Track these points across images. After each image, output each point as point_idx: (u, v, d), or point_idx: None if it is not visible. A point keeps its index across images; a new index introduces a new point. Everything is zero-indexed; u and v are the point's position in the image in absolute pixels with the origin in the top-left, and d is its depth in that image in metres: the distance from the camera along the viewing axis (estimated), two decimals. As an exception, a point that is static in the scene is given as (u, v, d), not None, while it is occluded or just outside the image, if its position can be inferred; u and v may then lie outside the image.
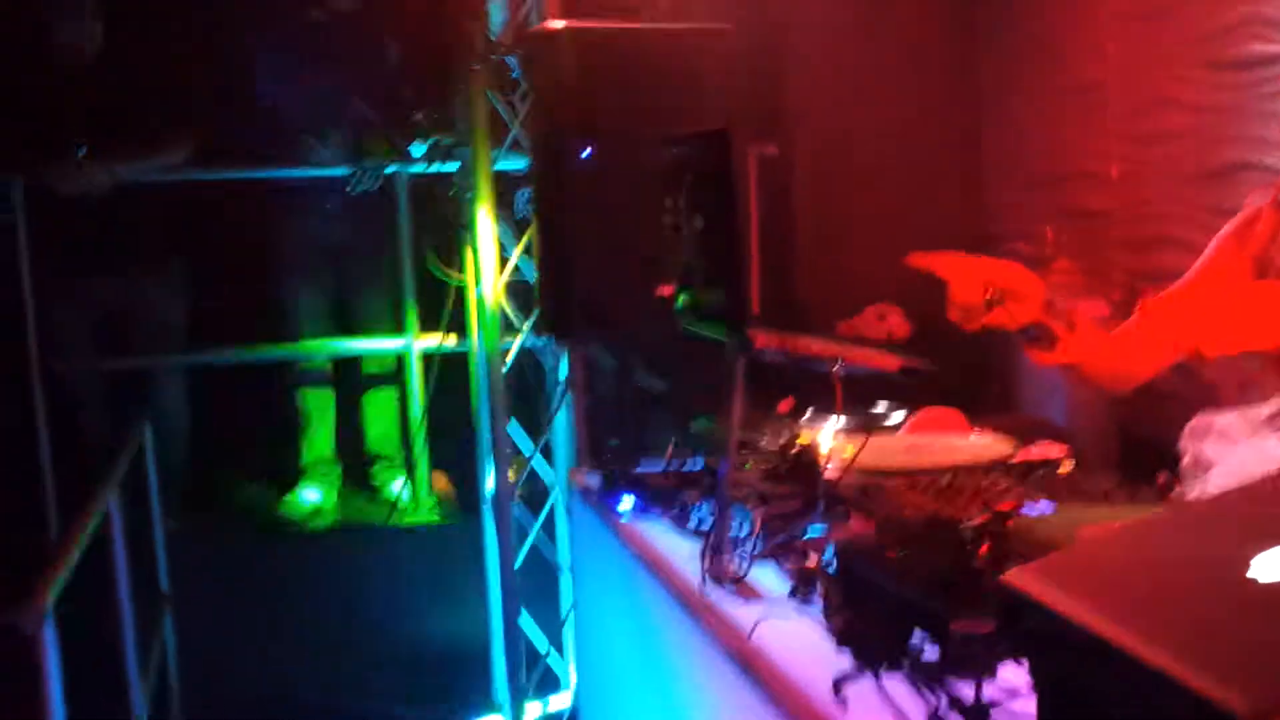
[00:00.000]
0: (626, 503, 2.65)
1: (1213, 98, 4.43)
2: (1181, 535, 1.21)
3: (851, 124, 5.38)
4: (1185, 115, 4.57)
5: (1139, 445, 4.55)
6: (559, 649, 3.98)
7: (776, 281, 4.75)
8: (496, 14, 4.03)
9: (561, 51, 3.53)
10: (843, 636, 1.80)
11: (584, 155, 3.48)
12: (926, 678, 1.66)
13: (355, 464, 5.07)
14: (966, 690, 1.61)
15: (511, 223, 4.03)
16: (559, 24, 3.55)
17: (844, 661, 1.75)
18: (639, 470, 2.78)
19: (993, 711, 1.59)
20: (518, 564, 3.89)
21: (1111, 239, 5.01)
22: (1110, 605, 1.10)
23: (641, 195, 2.72)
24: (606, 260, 3.43)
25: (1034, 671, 1.29)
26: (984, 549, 1.77)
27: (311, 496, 4.88)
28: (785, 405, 2.87)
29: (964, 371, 4.66)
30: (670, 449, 2.72)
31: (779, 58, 5.08)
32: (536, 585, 4.01)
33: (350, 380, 5.11)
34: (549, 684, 4.01)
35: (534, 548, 3.97)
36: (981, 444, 2.56)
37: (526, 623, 3.93)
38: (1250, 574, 1.07)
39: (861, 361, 2.16)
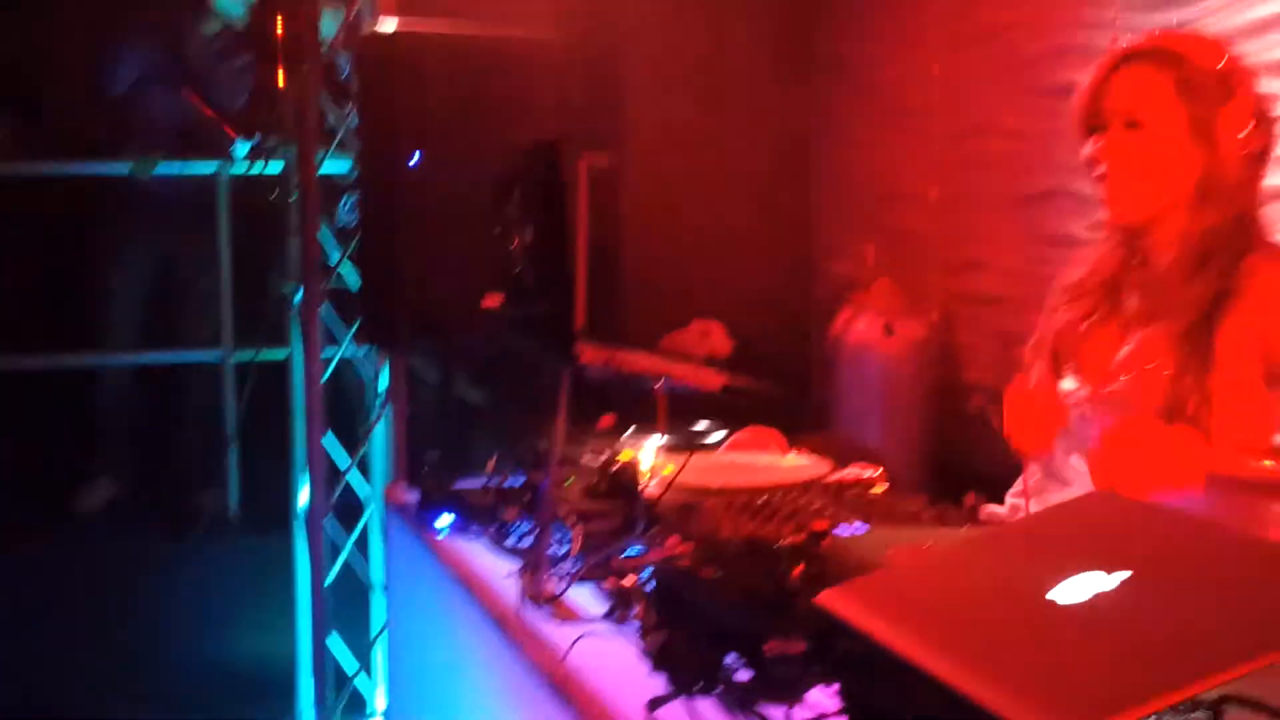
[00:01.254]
0: (444, 520, 2.60)
1: (1030, 124, 4.55)
2: (987, 558, 1.22)
3: (683, 138, 5.41)
4: (1003, 141, 4.69)
5: (949, 466, 4.66)
6: (369, 670, 3.90)
7: (603, 294, 4.72)
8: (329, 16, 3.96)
9: (392, 55, 3.47)
10: (658, 658, 1.79)
11: (412, 162, 3.42)
12: (739, 700, 1.65)
13: (163, 472, 4.94)
14: (778, 713, 1.61)
15: (333, 229, 3.95)
16: (390, 26, 3.50)
17: (659, 683, 1.73)
18: (458, 486, 2.73)
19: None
20: (328, 582, 3.81)
21: (929, 260, 5.12)
22: (916, 627, 1.11)
23: (471, 204, 2.68)
24: (433, 269, 3.38)
25: (842, 693, 1.30)
26: (797, 570, 1.77)
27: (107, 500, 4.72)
28: (607, 421, 2.87)
29: (783, 391, 4.72)
30: (491, 464, 2.68)
31: (614, 70, 5.08)
32: (348, 604, 3.93)
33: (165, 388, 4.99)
34: (356, 706, 3.92)
35: (347, 566, 3.89)
36: (799, 464, 2.58)
37: (335, 643, 3.84)
38: (1050, 596, 1.08)
39: (686, 379, 2.15)
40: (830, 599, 1.21)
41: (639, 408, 2.63)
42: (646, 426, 2.60)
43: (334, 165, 3.98)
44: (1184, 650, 0.95)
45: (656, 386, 2.05)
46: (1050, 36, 4.43)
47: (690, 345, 5.08)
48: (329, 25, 3.93)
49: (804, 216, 5.78)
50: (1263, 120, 2.23)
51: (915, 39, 5.18)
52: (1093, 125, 2.28)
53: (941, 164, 5.06)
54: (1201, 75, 2.21)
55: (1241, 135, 2.20)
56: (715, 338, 5.13)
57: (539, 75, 3.62)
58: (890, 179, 5.35)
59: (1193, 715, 0.91)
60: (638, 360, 2.08)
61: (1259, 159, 2.24)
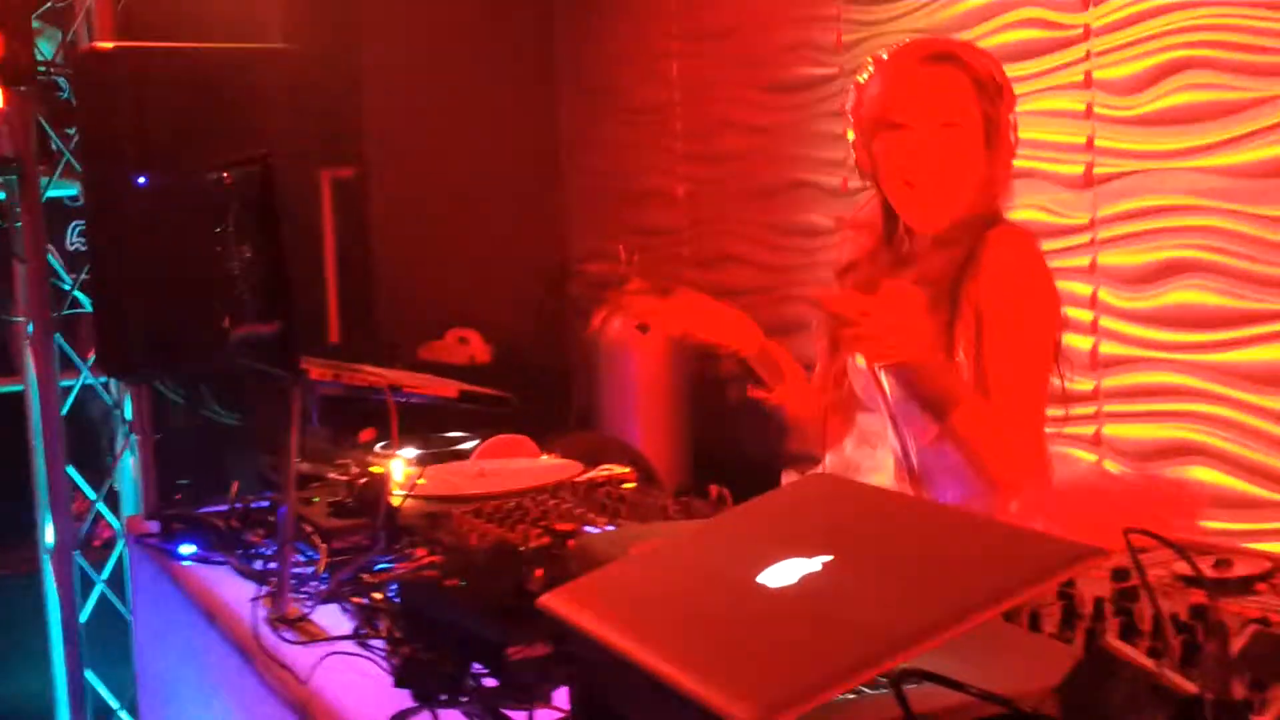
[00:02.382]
0: (187, 548, 2.53)
1: (769, 118, 4.66)
2: (704, 548, 1.23)
3: (430, 148, 5.37)
4: (744, 136, 4.79)
5: (710, 459, 4.73)
6: (132, 706, 3.77)
7: (356, 307, 4.66)
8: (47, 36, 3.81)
9: (112, 73, 3.36)
10: (401, 673, 1.76)
11: (139, 183, 3.32)
12: (483, 707, 1.64)
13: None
14: (522, 717, 1.60)
15: (64, 254, 3.80)
16: (109, 44, 3.38)
17: (405, 698, 1.71)
18: (202, 512, 2.65)
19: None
20: (84, 617, 3.67)
21: (681, 256, 5.19)
22: (632, 622, 1.11)
23: (199, 224, 2.61)
24: (166, 293, 3.28)
25: (570, 690, 1.30)
26: (538, 573, 1.77)
27: None
28: (366, 435, 2.82)
29: (545, 394, 4.72)
30: (234, 488, 2.61)
31: (353, 80, 5.00)
32: (110, 638, 3.80)
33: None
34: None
35: (107, 600, 3.76)
36: (550, 467, 2.58)
37: (94, 679, 3.70)
38: (761, 581, 1.10)
39: (419, 389, 2.13)
40: (552, 600, 1.21)
41: (401, 422, 2.59)
42: (396, 440, 2.57)
43: (61, 189, 3.83)
44: (880, 629, 0.97)
45: (387, 398, 2.01)
46: (779, 33, 4.54)
47: (448, 354, 5.06)
48: (47, 46, 3.79)
49: (557, 220, 5.81)
50: (1015, 115, 2.32)
51: (650, 39, 5.25)
52: (887, 125, 2.29)
53: (685, 161, 5.13)
54: (989, 79, 2.27)
55: (1014, 128, 2.29)
56: (474, 345, 5.11)
57: (272, 88, 3.55)
58: (638, 178, 5.41)
59: (875, 691, 0.93)
60: (368, 374, 2.05)
61: (1014, 153, 2.33)
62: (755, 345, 2.52)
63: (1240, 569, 1.27)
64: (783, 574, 1.09)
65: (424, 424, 2.73)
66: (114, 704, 3.87)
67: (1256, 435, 3.08)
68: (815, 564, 1.08)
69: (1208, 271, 3.15)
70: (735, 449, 4.77)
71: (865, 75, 2.37)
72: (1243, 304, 3.09)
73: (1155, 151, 3.24)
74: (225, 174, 2.05)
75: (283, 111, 3.54)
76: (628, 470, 2.51)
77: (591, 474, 2.48)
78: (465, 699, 1.68)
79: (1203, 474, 3.19)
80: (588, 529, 2.08)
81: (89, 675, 3.79)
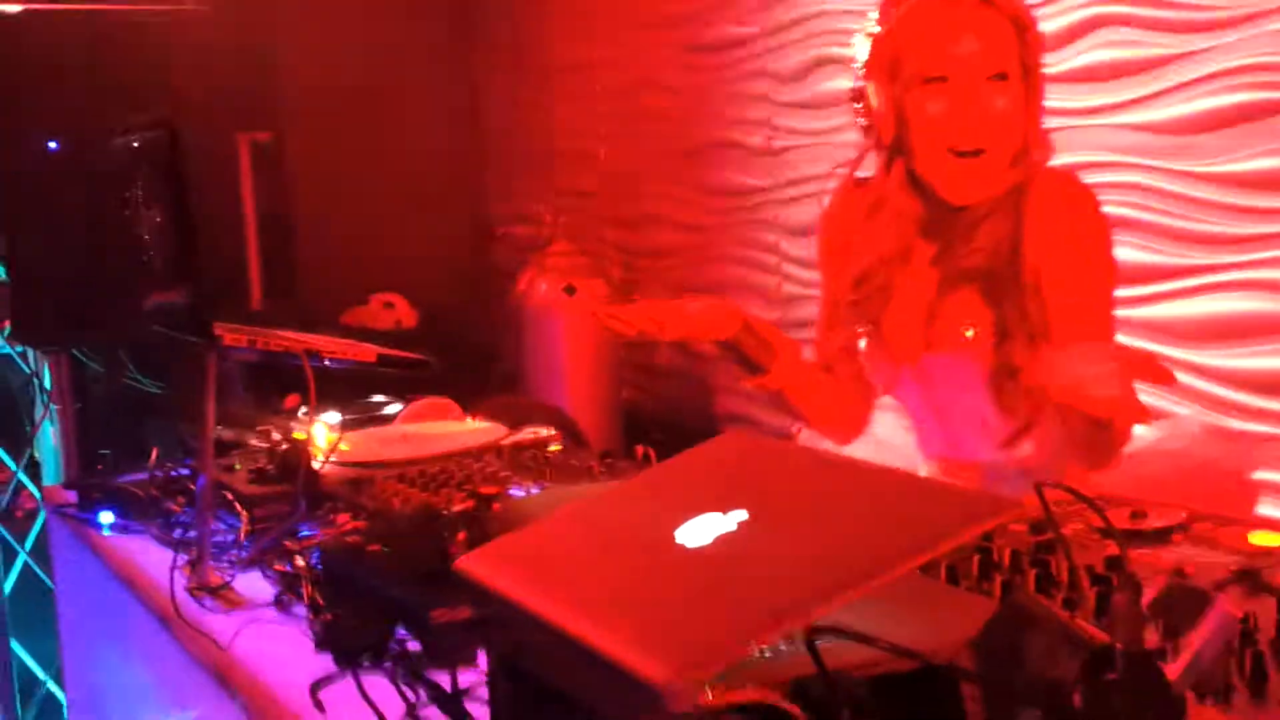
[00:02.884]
0: (106, 517, 2.49)
1: (690, 79, 4.64)
2: (621, 507, 1.23)
3: (352, 111, 5.30)
4: (666, 96, 4.77)
5: (638, 419, 4.74)
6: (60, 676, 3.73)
7: (279, 273, 4.61)
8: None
9: (20, 37, 3.28)
10: (323, 638, 1.74)
11: (50, 148, 3.25)
12: (405, 671, 1.63)
13: None
14: (446, 680, 1.59)
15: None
16: (13, 7, 3.30)
17: (327, 664, 1.69)
18: (121, 481, 2.61)
19: (470, 697, 1.58)
20: (8, 588, 3.62)
21: (604, 217, 5.17)
22: (547, 582, 1.11)
23: (111, 190, 2.56)
24: (81, 259, 3.22)
25: (488, 652, 1.29)
26: (461, 536, 1.76)
27: None
28: (289, 402, 2.79)
29: (471, 358, 4.70)
30: (154, 455, 2.56)
31: (270, 43, 4.92)
32: (35, 609, 3.75)
33: None
34: (53, 713, 3.76)
35: (30, 571, 3.71)
36: (475, 430, 2.56)
37: (19, 649, 3.65)
38: (678, 540, 1.09)
39: (336, 353, 2.10)
40: (468, 562, 1.20)
41: (323, 388, 2.56)
42: (320, 405, 2.54)
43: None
44: (795, 586, 0.97)
45: (303, 362, 1.99)
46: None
47: (373, 319, 5.01)
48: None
49: (480, 183, 5.76)
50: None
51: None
52: (931, 78, 1.98)
53: (608, 121, 5.10)
54: (1026, 19, 1.99)
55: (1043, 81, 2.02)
56: (399, 310, 5.06)
57: (184, 50, 3.49)
58: (561, 138, 5.37)
59: (787, 646, 0.93)
60: (282, 338, 2.02)
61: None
62: (736, 326, 2.18)
63: (1155, 521, 1.28)
64: (699, 532, 1.08)
65: (348, 390, 2.70)
66: (41, 675, 3.82)
67: (1179, 390, 3.12)
68: (731, 521, 1.07)
69: (1127, 228, 3.17)
70: (667, 410, 4.78)
71: (881, 23, 2.05)
72: (1163, 259, 3.12)
73: (1073, 109, 3.26)
74: (132, 135, 2.00)
75: (196, 74, 3.48)
76: (553, 433, 2.50)
77: (517, 437, 2.46)
78: (388, 663, 1.67)
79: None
80: (513, 492, 2.07)
81: (14, 646, 3.74)
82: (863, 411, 2.36)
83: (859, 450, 2.35)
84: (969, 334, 2.04)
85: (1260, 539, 1.19)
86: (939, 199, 2.07)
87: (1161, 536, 1.23)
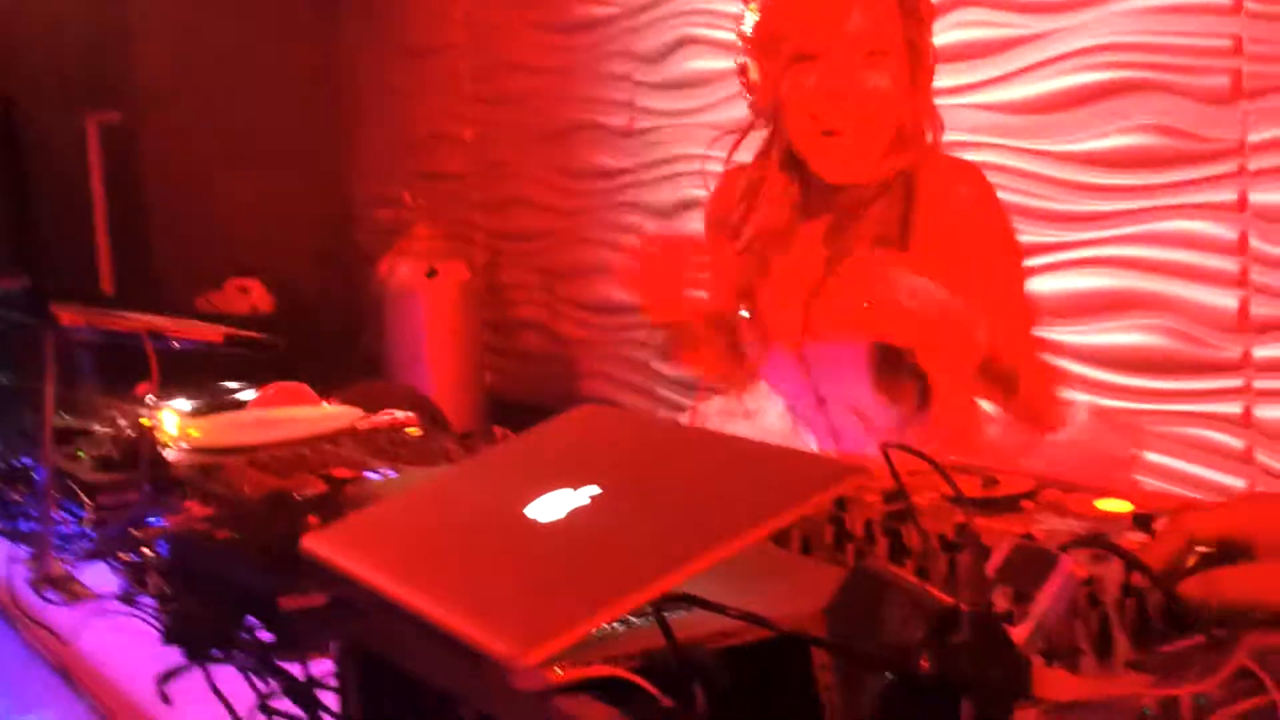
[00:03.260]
0: (-58, 510, 2.38)
1: (552, 60, 4.61)
2: (471, 483, 1.20)
3: (208, 92, 5.19)
4: (528, 78, 4.73)
5: (502, 401, 4.70)
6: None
7: (130, 257, 4.49)
8: None
9: None
10: (170, 630, 1.69)
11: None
12: (257, 662, 1.58)
13: None
14: (298, 668, 1.55)
15: None
16: None
17: (175, 656, 1.64)
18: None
19: (322, 685, 1.54)
20: None
21: (470, 201, 5.12)
22: (394, 560, 1.08)
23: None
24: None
25: (336, 636, 1.26)
26: (313, 520, 1.71)
27: None
28: (141, 390, 2.70)
29: (330, 343, 4.62)
30: (-11, 443, 2.47)
31: (119, 20, 4.79)
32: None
33: None
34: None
35: None
36: (331, 414, 2.50)
37: None
38: (529, 515, 1.07)
39: (181, 334, 2.04)
40: (312, 542, 1.16)
41: (177, 373, 2.49)
42: (170, 391, 2.47)
43: None
44: (644, 557, 0.95)
45: (146, 344, 1.92)
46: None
47: (229, 304, 4.90)
48: None
49: (342, 165, 5.67)
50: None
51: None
52: (804, 54, 1.92)
53: (473, 103, 5.05)
54: None
55: (933, 60, 1.98)
56: (255, 294, 4.96)
57: (30, 25, 3.38)
58: (425, 120, 5.31)
59: (639, 620, 0.91)
60: (123, 318, 1.95)
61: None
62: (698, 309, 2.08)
63: (1006, 488, 1.29)
64: (549, 507, 1.06)
65: (200, 376, 2.63)
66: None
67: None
68: (582, 495, 1.06)
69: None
70: (530, 394, 4.75)
71: None
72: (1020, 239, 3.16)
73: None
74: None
75: (39, 53, 3.37)
76: (411, 415, 2.46)
77: (373, 420, 2.42)
78: (237, 653, 1.62)
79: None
80: (368, 475, 2.03)
81: None
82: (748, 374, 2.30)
83: (742, 430, 2.32)
84: (865, 305, 1.96)
85: (1106, 505, 1.20)
86: (818, 177, 2.05)
87: (1011, 504, 1.23)
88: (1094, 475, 1.66)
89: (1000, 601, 0.93)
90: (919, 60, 1.95)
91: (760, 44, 1.99)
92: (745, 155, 2.19)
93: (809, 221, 2.10)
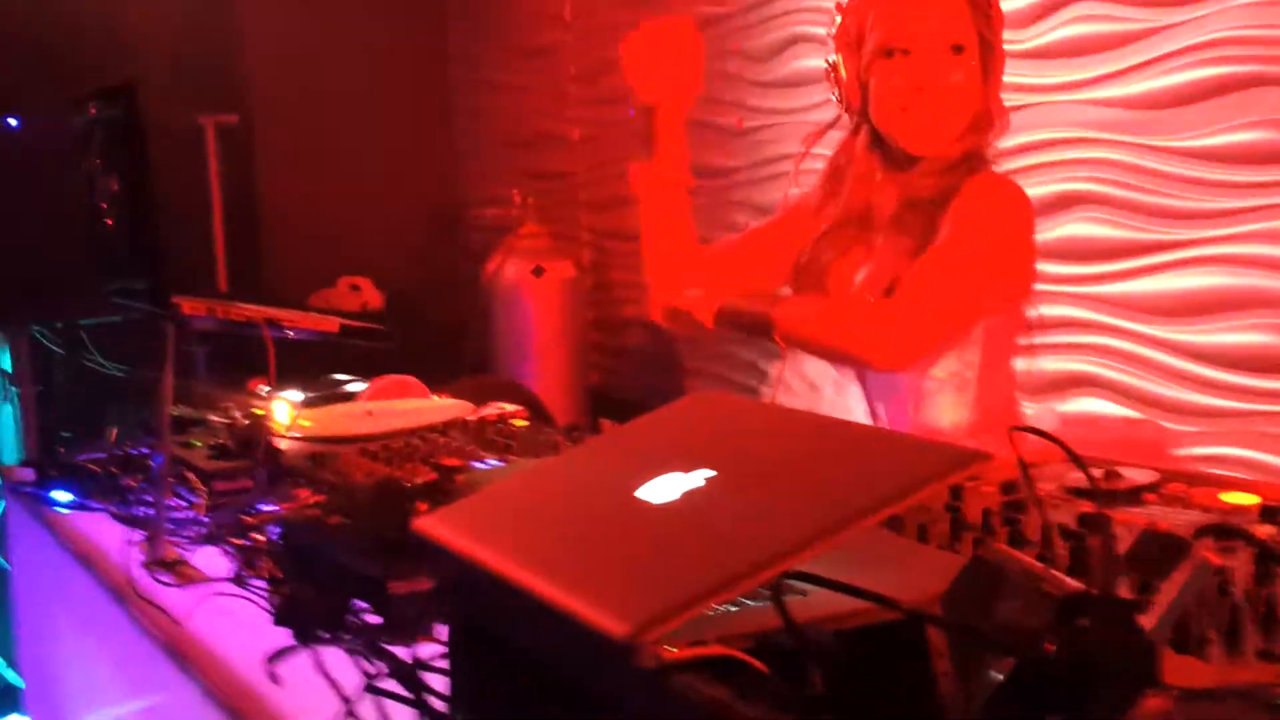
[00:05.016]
0: (62, 495, 2.44)
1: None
2: (582, 468, 1.20)
3: (319, 92, 5.26)
4: (636, 77, 4.73)
5: (607, 398, 4.71)
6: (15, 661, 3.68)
7: (245, 254, 4.57)
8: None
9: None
10: (281, 613, 1.71)
11: (9, 124, 3.20)
12: (364, 645, 1.59)
13: None
14: (406, 652, 1.56)
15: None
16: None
17: (284, 638, 1.66)
18: (80, 459, 2.56)
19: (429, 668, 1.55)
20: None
21: (576, 200, 5.13)
22: (506, 540, 1.08)
23: (71, 167, 2.52)
24: (41, 237, 3.18)
25: (448, 615, 1.26)
26: (423, 507, 1.72)
27: None
28: (254, 385, 2.74)
29: (439, 339, 4.66)
30: (113, 433, 2.52)
31: (234, 24, 4.87)
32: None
33: None
34: (7, 698, 3.71)
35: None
36: (440, 407, 2.52)
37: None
38: (642, 497, 1.06)
39: (299, 324, 2.06)
40: (425, 523, 1.16)
41: (287, 364, 2.53)
42: (283, 383, 2.50)
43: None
44: (759, 539, 0.94)
45: (265, 332, 1.95)
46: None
47: (340, 302, 4.96)
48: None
49: (449, 164, 5.72)
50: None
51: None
52: (887, 51, 2.08)
53: (579, 104, 5.06)
54: None
55: (1004, 56, 2.11)
56: (365, 292, 5.02)
57: (148, 29, 3.45)
58: (532, 121, 5.33)
59: (754, 601, 0.90)
60: (242, 308, 1.98)
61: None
62: (683, 104, 2.28)
63: (1129, 480, 1.26)
64: (662, 489, 1.05)
65: (312, 368, 2.66)
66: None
67: (1149, 365, 3.10)
68: (695, 478, 1.04)
69: (1099, 204, 3.16)
70: (634, 392, 4.75)
71: None
72: (1133, 235, 3.11)
73: (1045, 85, 3.24)
74: (90, 106, 1.96)
75: (159, 54, 3.44)
76: (519, 409, 2.47)
77: (482, 412, 2.43)
78: (345, 636, 1.63)
79: (1098, 405, 3.21)
80: (476, 465, 2.04)
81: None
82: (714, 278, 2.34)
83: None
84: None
85: (1232, 498, 1.17)
86: (899, 155, 2.16)
87: (1134, 495, 1.20)
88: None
89: (1126, 590, 0.90)
90: (991, 56, 2.10)
91: (848, 43, 2.14)
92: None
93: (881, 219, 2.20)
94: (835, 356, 2.13)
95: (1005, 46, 2.14)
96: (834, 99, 2.23)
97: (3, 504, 3.68)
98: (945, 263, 2.04)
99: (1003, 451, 1.48)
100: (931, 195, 2.11)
